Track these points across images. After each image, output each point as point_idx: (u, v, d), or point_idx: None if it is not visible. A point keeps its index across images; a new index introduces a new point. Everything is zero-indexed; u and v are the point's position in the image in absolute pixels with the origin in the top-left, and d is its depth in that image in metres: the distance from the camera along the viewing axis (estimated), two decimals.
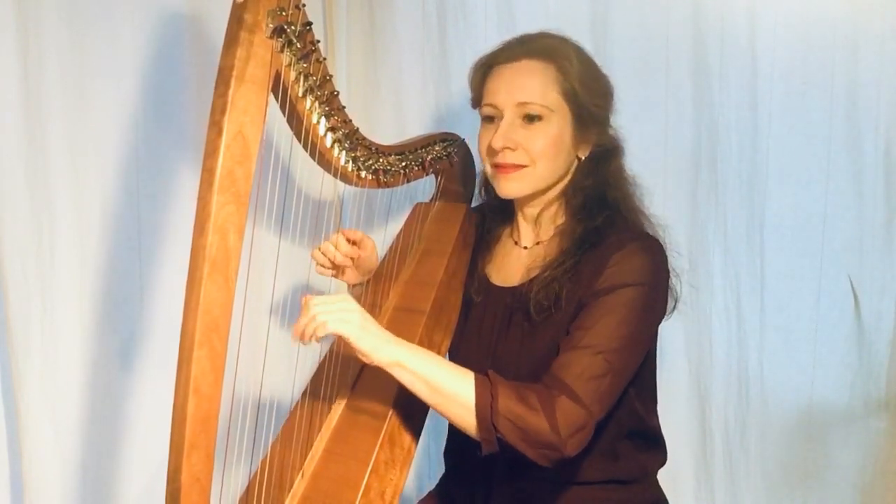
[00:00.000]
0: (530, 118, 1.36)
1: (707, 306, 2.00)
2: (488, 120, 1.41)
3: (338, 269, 1.54)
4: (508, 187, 1.40)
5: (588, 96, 1.36)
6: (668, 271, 1.36)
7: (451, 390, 1.20)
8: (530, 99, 1.35)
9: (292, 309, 1.75)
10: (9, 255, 1.55)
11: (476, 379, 1.21)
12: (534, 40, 1.40)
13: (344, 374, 1.35)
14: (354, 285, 1.62)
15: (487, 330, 1.43)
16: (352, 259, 1.55)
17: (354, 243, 1.55)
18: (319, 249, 1.51)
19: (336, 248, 1.50)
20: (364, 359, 1.18)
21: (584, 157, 1.41)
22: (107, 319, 1.66)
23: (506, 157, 1.38)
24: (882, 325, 1.93)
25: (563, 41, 1.40)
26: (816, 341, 1.96)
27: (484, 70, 1.42)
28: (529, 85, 1.36)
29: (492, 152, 1.39)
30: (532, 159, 1.37)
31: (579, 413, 1.20)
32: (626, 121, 1.46)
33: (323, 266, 1.53)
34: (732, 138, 1.94)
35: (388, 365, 1.18)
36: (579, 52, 1.40)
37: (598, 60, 1.43)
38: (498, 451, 1.20)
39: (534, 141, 1.36)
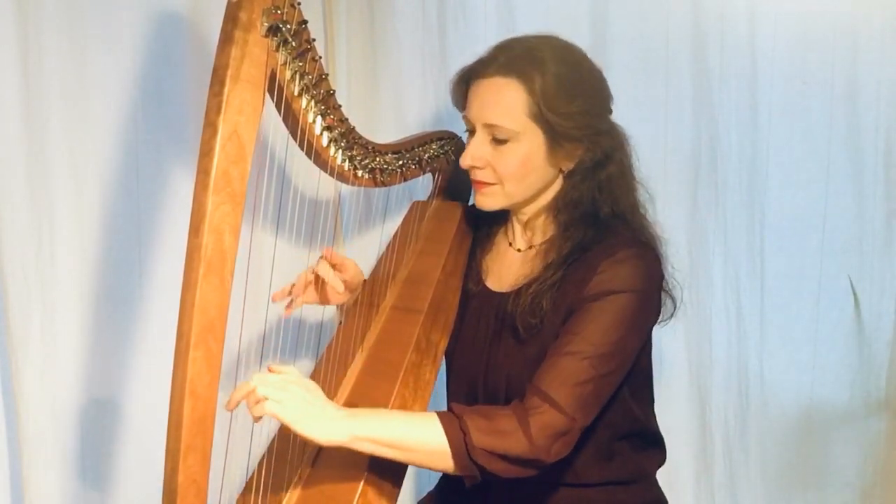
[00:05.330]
0: (498, 140, 1.33)
1: (707, 306, 2.00)
2: (469, 132, 1.40)
3: (322, 296, 1.47)
4: (482, 202, 1.40)
5: (558, 118, 1.30)
6: (660, 278, 1.34)
7: (420, 442, 1.16)
8: (497, 122, 1.32)
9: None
10: (9, 255, 1.55)
11: (442, 419, 1.18)
12: (512, 52, 1.34)
13: (341, 374, 1.34)
14: (342, 306, 1.58)
15: (482, 337, 1.43)
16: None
17: (335, 267, 1.46)
18: (302, 285, 1.44)
19: (323, 279, 1.42)
20: (311, 443, 1.11)
21: (567, 170, 1.37)
22: (106, 319, 1.67)
23: (476, 175, 1.37)
24: (882, 325, 1.93)
25: (546, 51, 1.33)
26: (816, 341, 1.96)
27: (464, 81, 1.39)
28: (497, 106, 1.32)
29: (464, 168, 1.39)
30: (500, 179, 1.35)
31: (558, 420, 1.19)
32: (626, 121, 1.45)
33: (307, 299, 1.45)
34: (732, 138, 1.94)
35: (344, 443, 1.10)
36: (562, 64, 1.33)
37: (598, 60, 1.39)
38: (481, 480, 1.19)
39: (501, 162, 1.34)
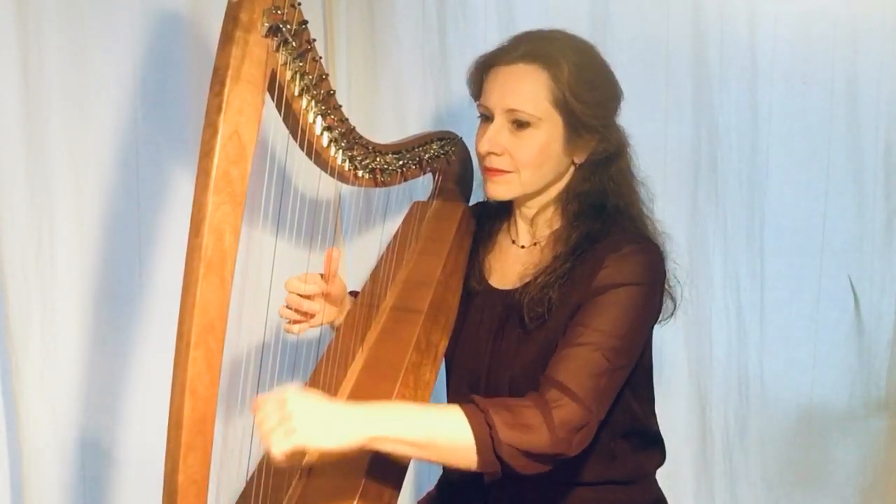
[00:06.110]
0: (519, 124, 1.34)
1: (707, 306, 2.00)
2: (484, 119, 1.41)
3: (307, 317, 1.41)
4: (494, 190, 1.40)
5: (580, 105, 1.32)
6: (664, 273, 1.35)
7: (444, 439, 1.14)
8: (519, 106, 1.33)
9: None
10: (9, 255, 1.55)
11: (466, 410, 1.16)
12: (534, 42, 1.36)
13: (341, 374, 1.34)
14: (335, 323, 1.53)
15: (484, 333, 1.43)
16: (323, 296, 1.42)
17: (328, 279, 1.41)
18: (286, 305, 1.38)
19: (303, 288, 1.37)
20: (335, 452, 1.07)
21: (580, 162, 1.39)
22: (107, 319, 1.66)
23: (492, 162, 1.37)
24: (882, 325, 1.93)
25: (566, 43, 1.37)
26: (816, 341, 1.96)
27: (483, 69, 1.40)
28: (520, 91, 1.33)
29: (481, 154, 1.39)
30: (516, 166, 1.36)
31: (578, 412, 1.19)
32: (626, 121, 1.45)
33: (293, 321, 1.39)
34: (732, 138, 1.94)
35: (366, 444, 1.08)
36: (582, 55, 1.36)
37: None
38: (501, 476, 1.17)
39: (520, 149, 1.35)
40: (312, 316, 1.41)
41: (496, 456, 1.15)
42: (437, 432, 1.14)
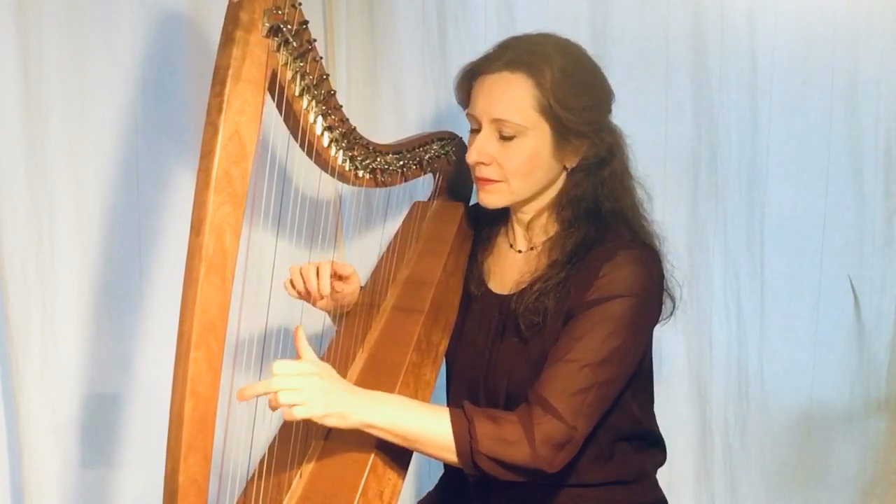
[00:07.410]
0: (505, 136, 1.33)
1: (707, 306, 2.00)
2: (472, 129, 1.40)
3: (308, 296, 1.42)
4: (486, 199, 1.39)
5: (566, 112, 1.30)
6: (661, 280, 1.34)
7: (429, 436, 1.19)
8: (505, 116, 1.31)
9: (290, 309, 1.75)
10: (9, 255, 1.55)
11: (452, 417, 1.20)
12: (517, 48, 1.34)
13: (342, 374, 1.34)
14: (339, 314, 1.55)
15: (483, 338, 1.43)
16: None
17: (341, 278, 1.43)
18: (300, 271, 1.39)
19: (318, 276, 1.38)
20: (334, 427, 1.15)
21: (571, 167, 1.37)
22: (107, 319, 1.67)
23: (482, 172, 1.36)
24: (882, 325, 1.93)
25: (550, 47, 1.34)
26: (816, 341, 1.96)
27: (469, 77, 1.39)
28: (505, 100, 1.32)
29: (470, 164, 1.39)
30: (505, 175, 1.35)
31: (561, 431, 1.21)
32: (626, 121, 1.45)
33: (295, 288, 1.40)
34: (732, 138, 1.94)
35: (359, 428, 1.15)
36: (567, 59, 1.34)
37: (598, 60, 1.39)
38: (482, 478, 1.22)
39: (507, 158, 1.33)
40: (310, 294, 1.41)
41: (474, 462, 1.19)
42: (424, 431, 1.19)
